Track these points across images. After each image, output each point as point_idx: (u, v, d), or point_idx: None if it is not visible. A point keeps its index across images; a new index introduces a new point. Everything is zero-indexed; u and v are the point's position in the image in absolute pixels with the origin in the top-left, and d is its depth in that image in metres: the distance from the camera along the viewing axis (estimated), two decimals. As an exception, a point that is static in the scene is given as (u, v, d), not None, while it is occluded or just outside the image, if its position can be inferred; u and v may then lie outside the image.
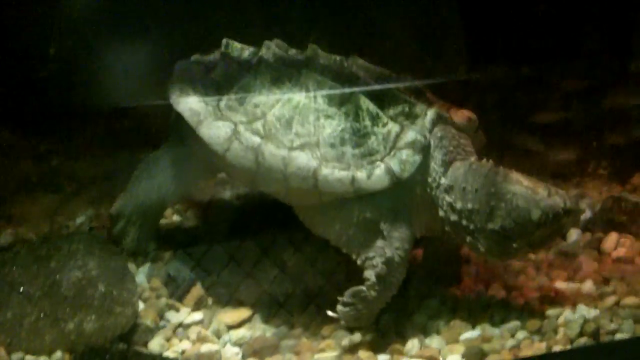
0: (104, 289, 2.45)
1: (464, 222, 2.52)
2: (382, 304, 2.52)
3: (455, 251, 2.81)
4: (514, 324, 2.56)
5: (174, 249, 2.74)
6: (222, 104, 2.58)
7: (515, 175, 2.55)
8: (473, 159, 2.60)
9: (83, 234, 2.83)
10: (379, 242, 2.50)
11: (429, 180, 2.56)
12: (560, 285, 2.75)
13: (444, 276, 2.78)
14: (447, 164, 2.56)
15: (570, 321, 2.53)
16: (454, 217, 2.54)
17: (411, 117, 2.59)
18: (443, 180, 2.55)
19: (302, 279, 2.66)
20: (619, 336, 2.48)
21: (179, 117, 2.61)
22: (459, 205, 2.52)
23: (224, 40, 2.69)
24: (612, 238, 2.96)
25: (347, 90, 2.57)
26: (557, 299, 2.66)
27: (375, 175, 2.49)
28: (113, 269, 2.54)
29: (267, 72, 2.61)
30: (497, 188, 2.50)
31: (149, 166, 2.77)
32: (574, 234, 3.01)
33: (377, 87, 2.63)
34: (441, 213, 2.56)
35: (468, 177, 2.54)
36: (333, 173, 2.49)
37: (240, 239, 2.73)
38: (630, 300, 2.62)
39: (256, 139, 2.52)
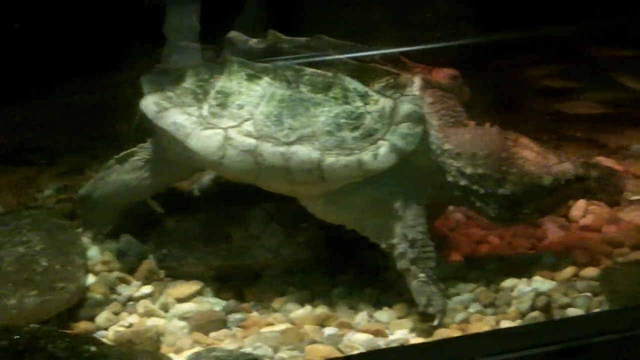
0: (46, 264, 2.44)
1: (475, 187, 2.53)
2: (434, 276, 2.45)
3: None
4: (468, 296, 2.53)
5: (129, 224, 2.73)
6: (204, 111, 2.53)
7: (525, 141, 2.57)
8: (473, 123, 2.59)
9: (35, 208, 2.83)
10: (398, 228, 2.47)
11: (433, 147, 2.53)
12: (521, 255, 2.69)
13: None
14: (444, 129, 2.55)
15: (523, 294, 2.47)
16: (463, 182, 2.53)
17: (398, 88, 2.55)
18: (447, 146, 2.53)
19: (252, 252, 2.62)
20: (571, 310, 2.41)
21: (146, 121, 2.57)
22: (468, 170, 2.52)
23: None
24: (579, 205, 2.86)
25: (328, 74, 2.49)
26: (515, 270, 2.59)
27: (381, 154, 2.45)
28: (60, 243, 2.53)
29: (241, 70, 2.56)
30: (509, 153, 2.50)
31: (123, 161, 2.69)
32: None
33: (352, 57, 2.57)
34: (449, 178, 2.54)
35: (477, 142, 2.53)
36: (338, 160, 2.45)
37: (192, 214, 2.69)
38: (589, 271, 2.54)
39: (251, 141, 2.47)
